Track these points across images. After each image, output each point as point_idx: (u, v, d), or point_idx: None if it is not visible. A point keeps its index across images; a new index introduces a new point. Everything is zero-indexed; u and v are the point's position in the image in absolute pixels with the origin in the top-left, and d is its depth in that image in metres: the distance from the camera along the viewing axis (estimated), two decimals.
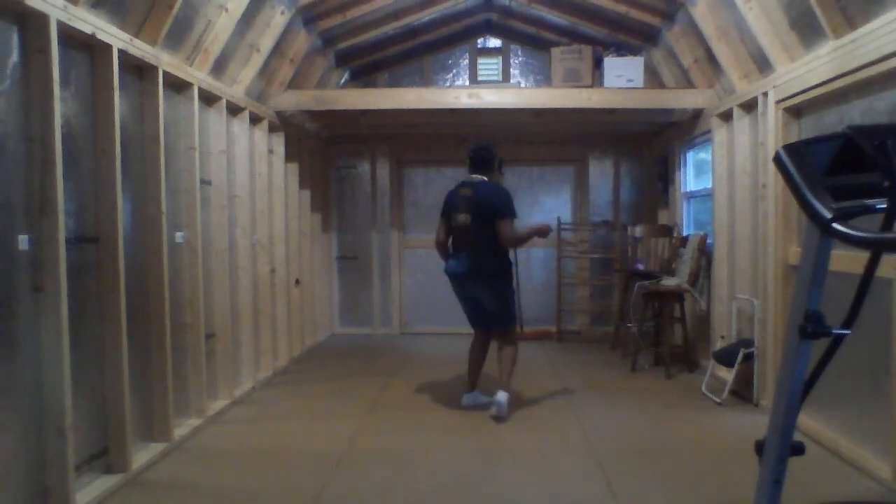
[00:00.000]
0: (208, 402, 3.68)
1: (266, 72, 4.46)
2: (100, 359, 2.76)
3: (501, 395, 3.62)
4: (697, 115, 4.88)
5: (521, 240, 3.79)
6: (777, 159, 1.29)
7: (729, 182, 4.36)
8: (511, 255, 3.80)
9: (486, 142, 3.88)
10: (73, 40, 2.58)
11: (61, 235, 2.38)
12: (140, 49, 2.94)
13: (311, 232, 5.75)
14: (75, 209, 2.62)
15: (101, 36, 2.64)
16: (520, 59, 6.27)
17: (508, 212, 3.61)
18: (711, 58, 4.29)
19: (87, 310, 2.69)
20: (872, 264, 1.32)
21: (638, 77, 4.94)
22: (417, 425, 3.61)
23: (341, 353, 5.73)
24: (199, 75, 3.51)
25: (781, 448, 1.38)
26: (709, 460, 3.09)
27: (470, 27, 6.01)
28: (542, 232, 3.70)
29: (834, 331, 1.29)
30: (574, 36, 5.53)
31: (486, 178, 3.75)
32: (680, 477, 2.89)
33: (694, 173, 5.48)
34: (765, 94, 3.68)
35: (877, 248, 1.26)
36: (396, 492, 2.75)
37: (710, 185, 4.72)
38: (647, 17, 4.73)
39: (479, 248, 3.67)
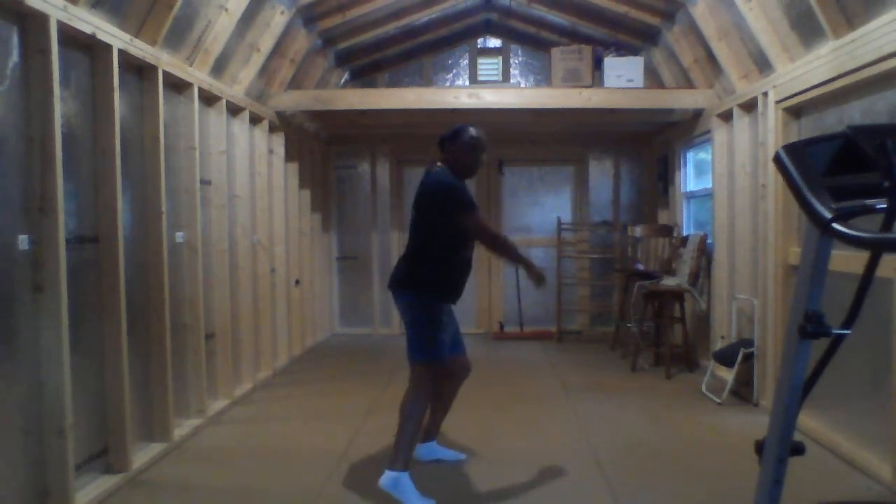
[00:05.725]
0: (208, 402, 3.68)
1: (266, 72, 4.46)
2: (100, 359, 2.76)
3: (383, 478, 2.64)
4: (697, 115, 4.88)
5: (498, 243, 2.81)
6: (777, 159, 1.29)
7: (729, 182, 4.36)
8: (442, 265, 2.75)
9: (462, 125, 2.86)
10: (73, 40, 2.58)
11: (61, 235, 2.38)
12: (140, 49, 2.94)
13: (311, 232, 5.75)
14: (75, 209, 2.62)
15: (101, 36, 2.64)
16: (520, 59, 6.27)
17: (462, 205, 2.69)
18: (711, 58, 4.29)
19: (87, 310, 2.69)
20: (872, 264, 1.32)
21: (638, 77, 4.94)
22: None
23: (341, 353, 5.73)
24: (199, 75, 3.51)
25: (781, 448, 1.38)
26: (709, 460, 3.09)
27: (470, 27, 6.01)
28: (533, 275, 2.69)
29: (834, 331, 1.29)
30: (574, 36, 5.53)
31: (441, 166, 2.83)
32: (680, 477, 2.89)
33: (694, 173, 5.48)
34: (765, 94, 3.68)
35: (877, 248, 1.26)
36: None
37: (710, 185, 4.72)
38: (647, 17, 4.73)
39: (406, 253, 2.88)
